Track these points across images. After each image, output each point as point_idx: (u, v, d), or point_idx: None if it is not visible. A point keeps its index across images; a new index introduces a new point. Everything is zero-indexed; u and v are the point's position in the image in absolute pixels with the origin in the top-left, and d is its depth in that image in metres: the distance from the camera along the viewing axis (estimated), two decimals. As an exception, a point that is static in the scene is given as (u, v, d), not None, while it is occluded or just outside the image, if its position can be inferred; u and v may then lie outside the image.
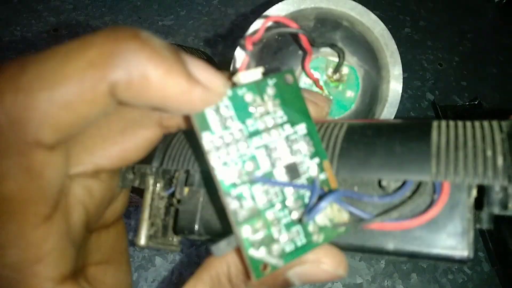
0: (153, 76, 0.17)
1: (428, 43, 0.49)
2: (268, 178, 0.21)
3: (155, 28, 0.45)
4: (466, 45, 0.49)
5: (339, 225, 0.22)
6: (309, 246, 0.21)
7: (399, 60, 0.34)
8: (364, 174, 0.22)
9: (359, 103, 0.35)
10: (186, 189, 0.28)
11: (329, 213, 0.22)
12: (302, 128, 0.22)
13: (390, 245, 0.22)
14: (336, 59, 0.32)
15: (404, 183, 0.22)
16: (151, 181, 0.29)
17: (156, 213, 0.29)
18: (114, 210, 0.29)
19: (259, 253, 0.20)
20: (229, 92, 0.21)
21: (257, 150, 0.21)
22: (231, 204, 0.20)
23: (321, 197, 0.21)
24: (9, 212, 0.18)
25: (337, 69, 0.32)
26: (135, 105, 0.18)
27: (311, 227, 0.21)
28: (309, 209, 0.20)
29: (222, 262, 0.23)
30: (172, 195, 0.30)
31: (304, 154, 0.22)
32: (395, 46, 0.34)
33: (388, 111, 0.35)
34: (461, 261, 0.21)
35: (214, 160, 0.20)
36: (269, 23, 0.24)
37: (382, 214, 0.21)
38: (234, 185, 0.20)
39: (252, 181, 0.21)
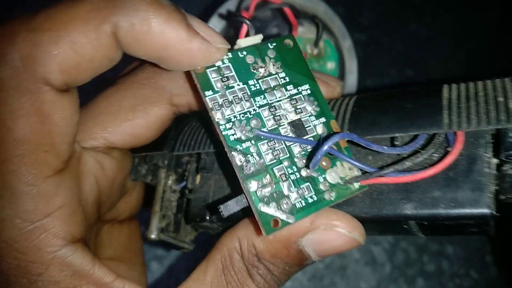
0: (154, 22, 0.18)
1: (434, 40, 0.48)
2: (273, 133, 0.20)
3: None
4: (473, 42, 0.48)
5: (351, 180, 0.21)
6: (321, 203, 0.20)
7: (347, 34, 0.37)
8: (375, 133, 0.21)
9: (339, 73, 0.36)
10: (198, 177, 0.28)
11: (340, 171, 0.21)
12: (305, 88, 0.22)
13: (408, 209, 0.21)
14: (311, 36, 0.34)
15: (416, 137, 0.21)
16: (163, 174, 0.29)
17: (168, 205, 0.29)
18: (127, 204, 0.29)
19: (269, 209, 0.20)
20: (230, 54, 0.21)
21: (261, 109, 0.21)
22: (237, 159, 0.20)
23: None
24: (21, 156, 0.18)
25: (317, 41, 0.33)
26: (137, 53, 0.19)
27: (322, 185, 0.21)
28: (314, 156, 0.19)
29: (233, 237, 0.22)
30: (184, 188, 0.29)
31: (310, 113, 0.22)
32: (340, 22, 0.37)
33: (349, 81, 0.37)
34: (483, 219, 0.19)
35: (218, 116, 0.20)
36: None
37: (393, 164, 0.20)
38: (240, 140, 0.20)
39: (257, 137, 0.20)
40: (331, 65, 0.35)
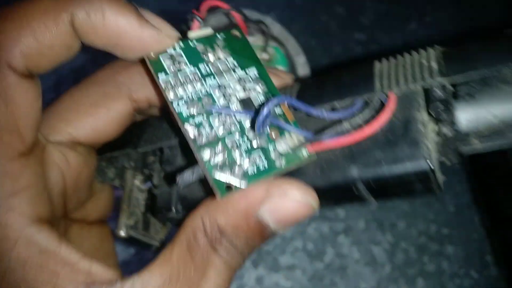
0: (107, 11, 0.20)
1: (434, 40, 0.50)
2: (223, 108, 0.22)
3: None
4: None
5: (297, 147, 0.22)
6: (272, 169, 0.22)
7: (301, 50, 0.40)
8: (317, 104, 0.23)
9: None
10: (162, 173, 0.29)
11: (289, 141, 0.23)
12: (253, 70, 0.24)
13: (355, 172, 0.22)
14: (259, 43, 0.36)
15: (353, 103, 0.23)
16: (129, 175, 0.30)
17: (135, 203, 0.30)
18: (95, 205, 0.30)
19: (222, 175, 0.21)
20: (182, 44, 0.23)
21: (212, 88, 0.23)
22: (190, 131, 0.21)
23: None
24: None
25: (265, 46, 0.36)
26: (94, 41, 0.21)
27: (272, 154, 0.22)
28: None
29: (196, 217, 0.23)
30: (151, 188, 0.31)
31: (258, 92, 0.24)
32: (294, 41, 0.40)
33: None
34: (423, 173, 0.21)
35: (171, 95, 0.22)
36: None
37: (333, 126, 0.22)
38: (192, 116, 0.22)
39: (209, 113, 0.22)
40: (280, 68, 0.38)
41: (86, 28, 0.20)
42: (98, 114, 0.26)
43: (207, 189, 0.25)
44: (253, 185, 0.21)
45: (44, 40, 0.20)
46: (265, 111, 0.20)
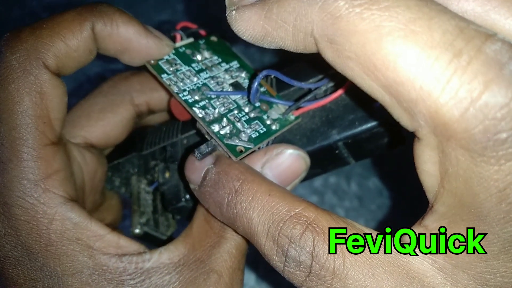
0: (119, 22, 0.25)
1: None
2: (220, 91, 0.27)
3: (151, 23, 0.52)
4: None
5: (285, 112, 0.27)
6: (269, 132, 0.27)
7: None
8: (294, 84, 0.29)
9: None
10: (167, 173, 0.33)
11: (278, 110, 0.28)
12: (235, 63, 0.29)
13: (335, 134, 0.27)
14: None
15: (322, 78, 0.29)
16: (134, 180, 0.34)
17: (145, 203, 0.33)
18: (107, 210, 0.33)
19: (232, 141, 0.25)
20: (173, 50, 0.28)
21: (206, 80, 0.28)
22: (198, 112, 0.26)
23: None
24: (26, 125, 0.22)
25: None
26: (108, 46, 0.25)
27: (267, 121, 0.27)
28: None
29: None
30: (156, 190, 0.34)
31: (243, 77, 0.29)
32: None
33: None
34: (390, 126, 0.26)
35: (176, 88, 0.26)
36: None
37: (313, 92, 0.27)
38: (196, 101, 0.26)
39: (209, 98, 0.27)
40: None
41: (103, 35, 0.25)
42: (107, 119, 0.29)
43: None
44: (259, 145, 0.26)
45: (71, 44, 0.24)
46: (256, 81, 0.25)
